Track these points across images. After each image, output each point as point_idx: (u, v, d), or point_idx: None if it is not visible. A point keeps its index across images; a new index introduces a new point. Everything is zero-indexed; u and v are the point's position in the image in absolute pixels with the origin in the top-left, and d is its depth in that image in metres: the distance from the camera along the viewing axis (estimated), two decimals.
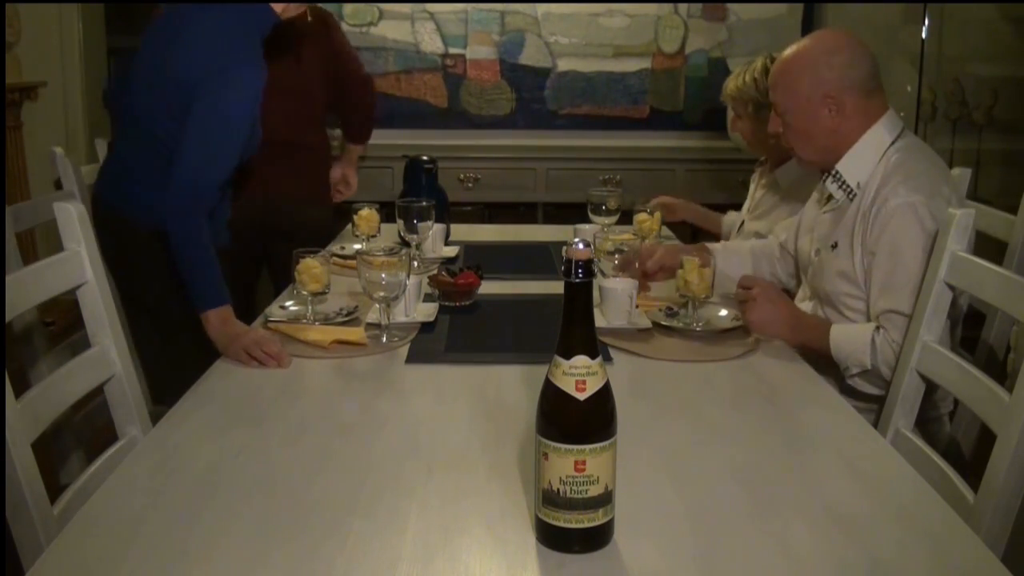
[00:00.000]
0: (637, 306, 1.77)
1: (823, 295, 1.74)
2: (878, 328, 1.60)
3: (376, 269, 1.57)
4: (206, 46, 1.77)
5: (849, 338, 1.62)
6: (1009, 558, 1.10)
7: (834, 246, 1.69)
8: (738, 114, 2.30)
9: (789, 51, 1.72)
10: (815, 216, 1.82)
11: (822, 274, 1.74)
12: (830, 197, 1.74)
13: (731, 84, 2.29)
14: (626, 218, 2.43)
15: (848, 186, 1.68)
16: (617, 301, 1.68)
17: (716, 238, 2.54)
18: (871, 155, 1.66)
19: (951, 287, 1.49)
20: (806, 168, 1.86)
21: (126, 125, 1.94)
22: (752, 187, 2.45)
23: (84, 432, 2.05)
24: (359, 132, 2.76)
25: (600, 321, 1.66)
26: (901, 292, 1.57)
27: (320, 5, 2.67)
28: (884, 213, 1.59)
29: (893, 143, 1.66)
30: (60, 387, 1.33)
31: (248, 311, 1.95)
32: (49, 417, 1.29)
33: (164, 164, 1.77)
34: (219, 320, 1.62)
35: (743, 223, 2.41)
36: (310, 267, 1.68)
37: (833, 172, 1.70)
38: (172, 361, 1.90)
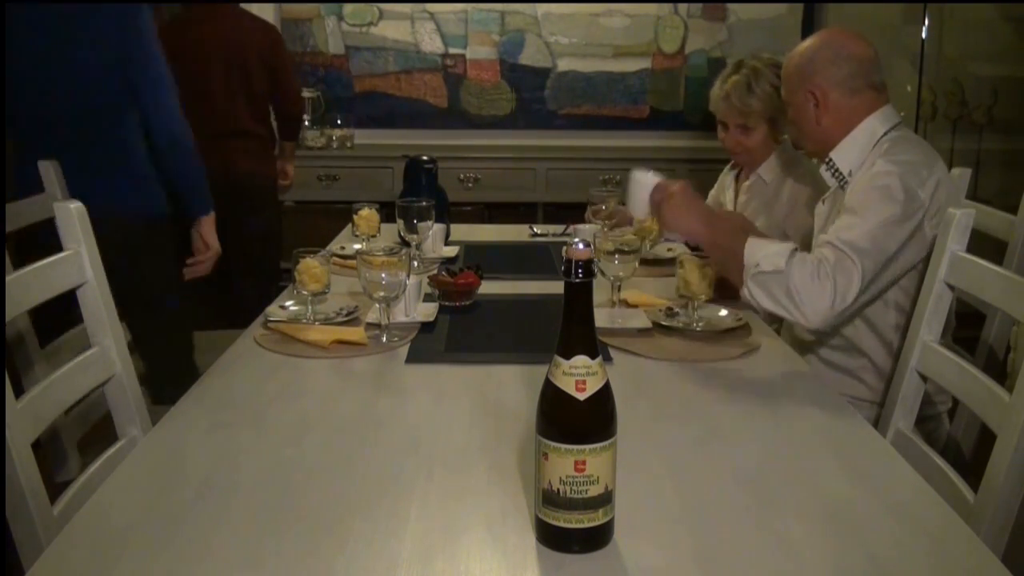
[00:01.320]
0: (637, 307, 1.77)
1: None
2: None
3: (376, 269, 1.57)
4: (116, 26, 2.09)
5: (769, 242, 1.59)
6: (1009, 558, 1.10)
7: None
8: (749, 126, 2.23)
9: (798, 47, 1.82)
10: (818, 211, 1.85)
11: None
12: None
13: (748, 100, 2.19)
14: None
15: (840, 173, 1.73)
16: (643, 194, 1.71)
17: None
18: (864, 143, 1.70)
19: (951, 287, 1.49)
20: (810, 156, 1.92)
21: (77, 125, 2.10)
22: (730, 194, 2.44)
23: (83, 432, 2.06)
24: (289, 132, 3.48)
25: (602, 319, 1.66)
26: (852, 231, 1.55)
27: (266, 19, 3.27)
28: (859, 182, 1.64)
29: (886, 133, 1.70)
30: (60, 387, 1.33)
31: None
32: (49, 417, 1.29)
33: (121, 146, 2.14)
34: (210, 224, 2.16)
35: None
36: (310, 267, 1.68)
37: (827, 160, 1.75)
38: (172, 356, 2.14)
